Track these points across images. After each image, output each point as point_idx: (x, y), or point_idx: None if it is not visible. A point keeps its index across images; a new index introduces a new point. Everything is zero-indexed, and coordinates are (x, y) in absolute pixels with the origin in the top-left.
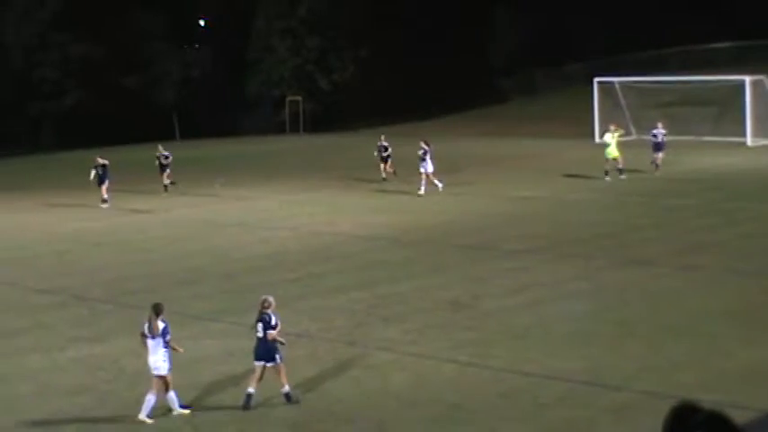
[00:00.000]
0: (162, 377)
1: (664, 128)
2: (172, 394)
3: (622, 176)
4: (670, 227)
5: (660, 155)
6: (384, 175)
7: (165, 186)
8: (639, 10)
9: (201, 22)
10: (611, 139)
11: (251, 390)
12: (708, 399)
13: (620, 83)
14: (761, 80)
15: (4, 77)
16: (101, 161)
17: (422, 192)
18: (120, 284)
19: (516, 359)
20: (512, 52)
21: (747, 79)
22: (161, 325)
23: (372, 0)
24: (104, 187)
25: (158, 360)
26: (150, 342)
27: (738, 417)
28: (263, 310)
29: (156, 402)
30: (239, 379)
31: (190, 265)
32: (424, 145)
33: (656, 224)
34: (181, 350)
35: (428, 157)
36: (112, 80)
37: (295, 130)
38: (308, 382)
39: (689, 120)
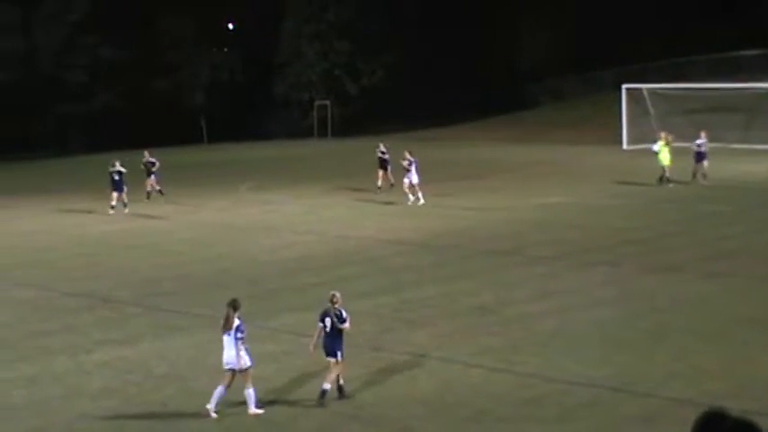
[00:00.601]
0: (243, 371)
1: (705, 137)
2: (251, 392)
3: (658, 183)
4: (698, 233)
5: (705, 164)
6: (380, 183)
7: (148, 194)
8: (667, 17)
9: (230, 26)
10: (660, 147)
11: (326, 386)
12: (736, 406)
13: (648, 90)
14: None
15: (32, 79)
16: (119, 167)
17: (411, 202)
18: (148, 287)
19: (543, 365)
20: (540, 58)
21: None
22: (236, 322)
23: (400, 5)
24: (118, 194)
25: (232, 355)
26: (225, 337)
27: (767, 425)
28: (333, 306)
29: (224, 394)
30: (264, 382)
31: (217, 269)
32: (409, 156)
33: (684, 231)
34: (245, 360)
35: (413, 168)
36: (141, 83)
37: (323, 134)
38: (335, 386)
39: (717, 127)
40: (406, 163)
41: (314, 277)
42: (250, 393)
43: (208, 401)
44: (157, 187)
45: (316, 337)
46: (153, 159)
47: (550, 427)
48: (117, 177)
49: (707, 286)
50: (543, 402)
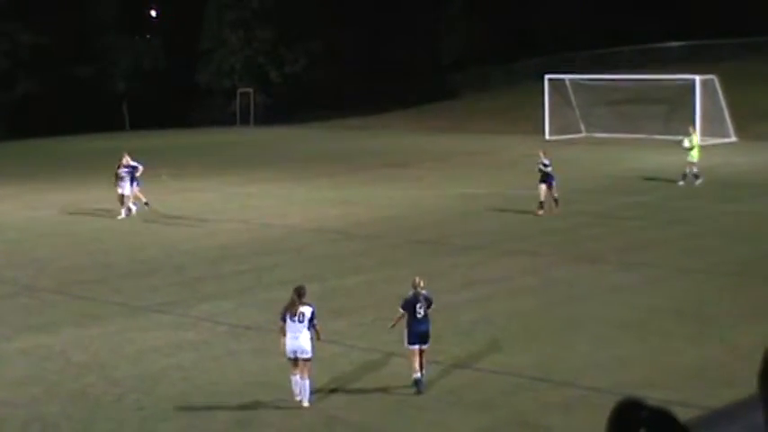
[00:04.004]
0: (307, 360)
1: (546, 157)
2: (306, 384)
3: (693, 179)
4: (619, 224)
5: (544, 187)
6: (135, 202)
7: None
8: (591, 8)
9: (153, 13)
10: (690, 143)
11: (418, 375)
12: (654, 396)
13: (570, 80)
14: (711, 79)
15: None
16: None
17: (122, 216)
18: (69, 275)
19: (464, 354)
20: (464, 48)
21: (697, 78)
22: (308, 309)
23: None
24: None
25: (299, 342)
26: (290, 324)
27: (684, 414)
28: (419, 290)
29: (300, 382)
30: (187, 371)
31: (139, 257)
32: (130, 161)
33: (604, 221)
34: (320, 336)
35: (128, 175)
36: (63, 70)
37: (246, 122)
38: (256, 374)
39: (639, 118)
40: (123, 171)
41: (237, 265)
42: (307, 385)
43: (134, 391)
44: None
45: (395, 321)
46: None
47: (471, 416)
48: None
49: (626, 276)
50: (464, 391)
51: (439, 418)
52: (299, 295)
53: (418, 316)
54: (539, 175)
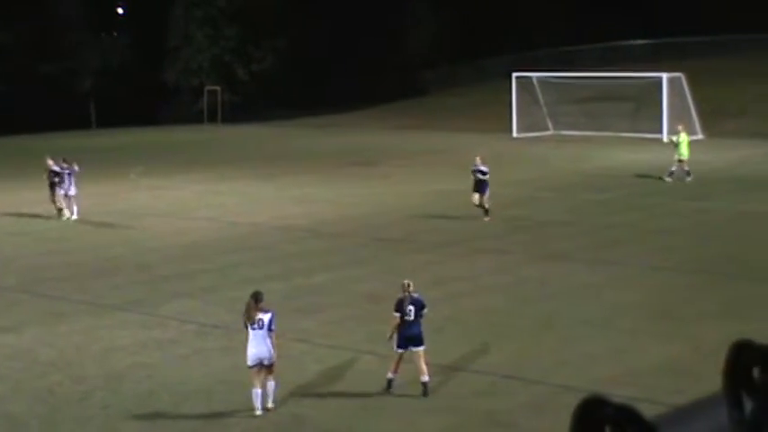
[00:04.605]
0: (268, 367)
1: (484, 164)
2: (273, 384)
3: (689, 178)
4: (587, 222)
5: (486, 196)
6: (59, 205)
7: None
8: (558, 6)
9: (119, 10)
10: (680, 139)
11: (392, 375)
12: (622, 393)
13: (537, 78)
14: (678, 77)
15: None
16: None
17: (75, 216)
18: (34, 274)
19: (434, 352)
20: (432, 45)
21: (664, 76)
22: (265, 315)
23: None
24: None
25: (263, 350)
26: (251, 332)
27: (652, 411)
28: (410, 293)
29: (260, 393)
30: (153, 370)
31: (105, 255)
32: (65, 165)
33: (572, 219)
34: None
35: (67, 178)
36: (29, 68)
37: (213, 120)
38: (223, 374)
39: (606, 115)
40: (67, 172)
41: (204, 263)
42: (273, 386)
43: (100, 389)
44: None
45: (393, 329)
46: None
47: (441, 415)
48: None
49: (595, 274)
50: (435, 389)
51: (408, 417)
52: (256, 301)
53: (408, 319)
54: (472, 183)
